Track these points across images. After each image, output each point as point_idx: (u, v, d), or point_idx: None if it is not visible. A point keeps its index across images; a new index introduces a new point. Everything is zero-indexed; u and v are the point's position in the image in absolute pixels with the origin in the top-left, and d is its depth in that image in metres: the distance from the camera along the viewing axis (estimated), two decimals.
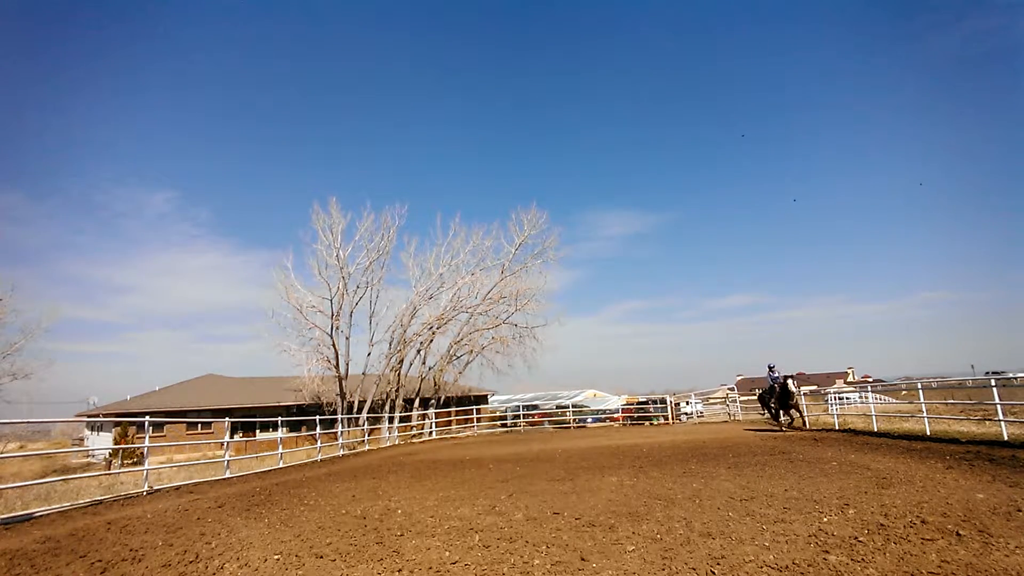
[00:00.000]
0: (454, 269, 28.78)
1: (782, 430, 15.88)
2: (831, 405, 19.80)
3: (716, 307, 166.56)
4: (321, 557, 4.81)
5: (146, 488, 9.83)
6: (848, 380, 77.67)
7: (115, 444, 25.73)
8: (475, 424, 27.09)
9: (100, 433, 33.70)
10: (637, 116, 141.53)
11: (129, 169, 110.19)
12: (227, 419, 13.57)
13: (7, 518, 7.29)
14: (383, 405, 26.46)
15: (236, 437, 28.21)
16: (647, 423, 25.48)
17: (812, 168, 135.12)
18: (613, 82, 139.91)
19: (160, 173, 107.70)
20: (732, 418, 25.07)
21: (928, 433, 11.90)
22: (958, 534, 4.24)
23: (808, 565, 3.76)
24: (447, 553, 4.68)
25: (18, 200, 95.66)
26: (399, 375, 27.31)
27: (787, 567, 3.75)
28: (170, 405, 32.30)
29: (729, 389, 39.58)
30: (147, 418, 10.54)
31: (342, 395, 25.89)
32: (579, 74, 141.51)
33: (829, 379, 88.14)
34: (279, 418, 15.49)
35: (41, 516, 7.61)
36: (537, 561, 4.28)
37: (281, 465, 14.13)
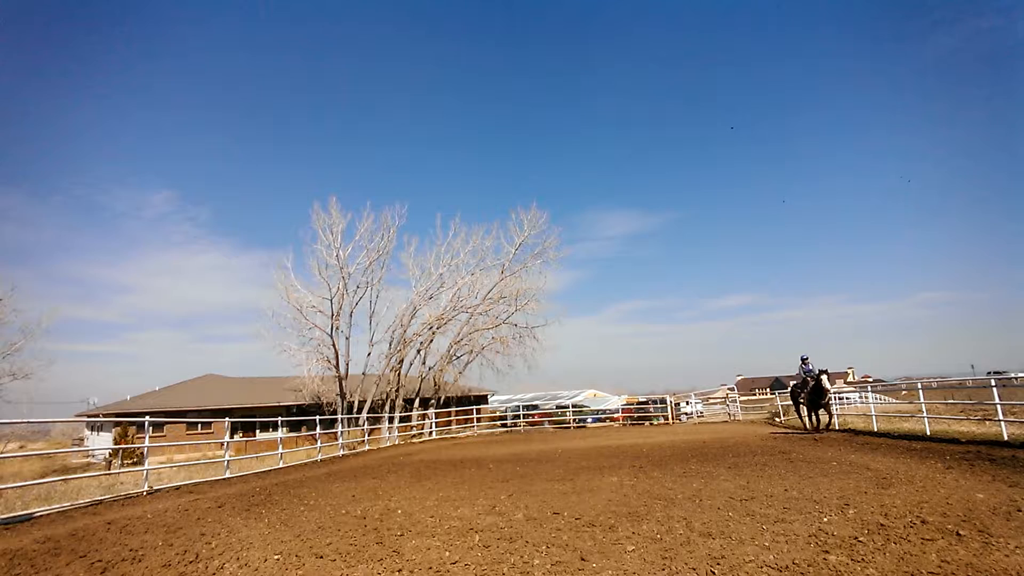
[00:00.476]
0: (454, 269, 28.78)
1: (807, 430, 14.80)
2: (831, 405, 19.76)
3: (716, 307, 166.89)
4: (321, 557, 4.81)
5: (146, 488, 9.82)
6: (848, 380, 77.65)
7: (115, 444, 25.69)
8: (475, 424, 27.09)
9: (100, 433, 33.68)
10: (637, 116, 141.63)
11: (129, 169, 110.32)
12: (227, 419, 13.56)
13: (7, 518, 7.28)
14: (383, 405, 26.46)
15: (236, 437, 28.18)
16: (647, 423, 25.48)
17: (812, 168, 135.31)
18: (613, 82, 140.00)
19: (160, 173, 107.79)
20: (732, 418, 25.07)
21: (928, 433, 11.89)
22: (958, 534, 4.24)
23: (808, 565, 3.76)
24: (447, 553, 4.68)
25: (18, 200, 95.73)
26: (399, 375, 27.29)
27: (787, 567, 3.75)
28: (170, 405, 32.28)
29: (729, 389, 39.56)
30: (147, 418, 10.53)
31: (342, 395, 25.89)
32: (579, 74, 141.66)
33: (829, 379, 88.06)
34: (279, 418, 15.48)
35: (41, 516, 7.60)
36: (537, 561, 4.28)
37: (281, 465, 14.13)
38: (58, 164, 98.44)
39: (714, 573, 3.75)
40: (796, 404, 15.73)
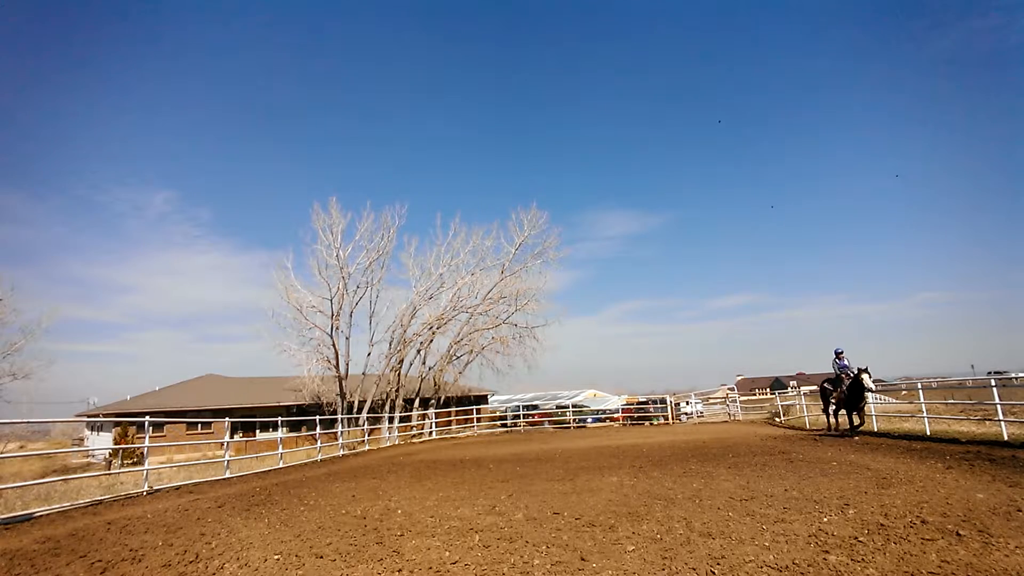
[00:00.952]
0: (454, 269, 28.77)
1: (831, 431, 13.84)
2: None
3: (716, 307, 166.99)
4: (321, 557, 4.81)
5: (146, 488, 9.82)
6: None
7: (115, 444, 25.69)
8: (475, 424, 27.10)
9: (100, 433, 33.68)
10: (637, 116, 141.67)
11: (129, 169, 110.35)
12: (227, 419, 13.57)
13: (7, 518, 7.28)
14: (383, 405, 26.45)
15: (236, 437, 28.18)
16: (647, 423, 25.49)
17: (812, 168, 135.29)
18: (614, 82, 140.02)
19: (160, 173, 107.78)
20: (732, 418, 25.08)
21: (928, 433, 11.89)
22: (958, 534, 4.24)
23: (808, 565, 3.76)
24: (447, 553, 4.68)
25: (18, 200, 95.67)
26: (399, 375, 27.29)
27: (787, 567, 3.75)
28: (170, 405, 32.28)
29: (729, 389, 39.60)
30: (147, 418, 10.53)
31: (342, 395, 25.89)
32: (579, 74, 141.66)
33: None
34: (279, 418, 15.48)
35: (41, 516, 7.60)
36: (537, 561, 4.28)
37: (281, 465, 14.13)
38: (58, 164, 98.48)
39: (714, 573, 3.75)
40: (825, 402, 14.24)
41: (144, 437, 10.93)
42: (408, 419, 26.30)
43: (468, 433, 25.48)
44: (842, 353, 13.74)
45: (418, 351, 28.14)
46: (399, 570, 4.31)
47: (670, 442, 14.40)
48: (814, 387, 21.91)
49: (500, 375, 28.93)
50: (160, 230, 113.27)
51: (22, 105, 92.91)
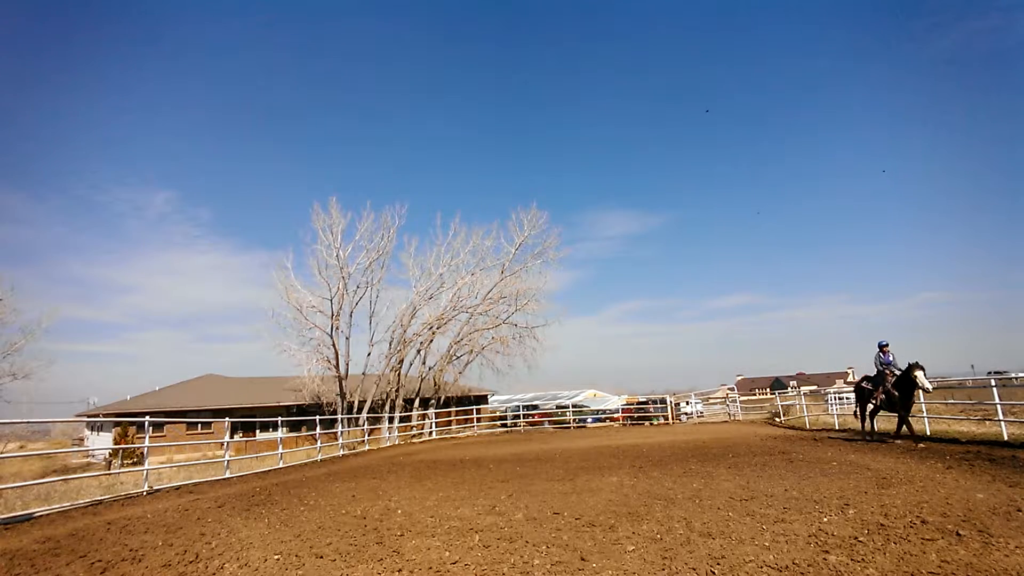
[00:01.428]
0: (454, 269, 28.77)
1: (864, 435, 12.40)
2: (831, 405, 19.80)
3: (716, 307, 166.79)
4: (321, 557, 4.81)
5: (146, 488, 9.82)
6: (848, 380, 77.64)
7: (115, 444, 25.68)
8: (475, 424, 27.10)
9: (100, 433, 33.68)
10: (637, 116, 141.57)
11: (129, 169, 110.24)
12: (227, 419, 13.58)
13: (7, 518, 7.28)
14: (383, 405, 26.45)
15: (236, 437, 28.17)
16: (647, 423, 25.48)
17: (812, 168, 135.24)
18: (614, 82, 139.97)
19: (160, 173, 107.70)
20: (732, 418, 25.08)
21: (928, 433, 11.90)
22: (958, 534, 4.24)
23: (808, 565, 3.76)
24: (447, 553, 4.68)
25: (18, 200, 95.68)
26: (399, 375, 27.29)
27: (787, 567, 3.75)
28: (170, 405, 32.29)
29: (729, 389, 39.60)
30: (147, 418, 10.53)
31: (342, 395, 25.89)
32: (579, 74, 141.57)
33: (829, 379, 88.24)
34: (279, 418, 15.48)
35: (41, 516, 7.61)
36: (537, 561, 4.28)
37: (281, 465, 14.13)
38: (58, 164, 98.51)
39: (714, 573, 3.75)
40: (862, 403, 12.56)
41: (144, 437, 10.93)
42: (408, 419, 26.30)
43: (468, 433, 25.48)
44: (887, 346, 12.05)
45: (418, 351, 28.16)
46: (399, 570, 4.31)
47: (670, 442, 14.40)
48: (814, 387, 21.90)
49: (500, 375, 28.98)
50: (160, 230, 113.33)
51: (22, 105, 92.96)
